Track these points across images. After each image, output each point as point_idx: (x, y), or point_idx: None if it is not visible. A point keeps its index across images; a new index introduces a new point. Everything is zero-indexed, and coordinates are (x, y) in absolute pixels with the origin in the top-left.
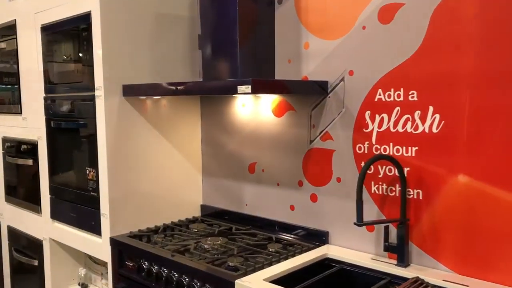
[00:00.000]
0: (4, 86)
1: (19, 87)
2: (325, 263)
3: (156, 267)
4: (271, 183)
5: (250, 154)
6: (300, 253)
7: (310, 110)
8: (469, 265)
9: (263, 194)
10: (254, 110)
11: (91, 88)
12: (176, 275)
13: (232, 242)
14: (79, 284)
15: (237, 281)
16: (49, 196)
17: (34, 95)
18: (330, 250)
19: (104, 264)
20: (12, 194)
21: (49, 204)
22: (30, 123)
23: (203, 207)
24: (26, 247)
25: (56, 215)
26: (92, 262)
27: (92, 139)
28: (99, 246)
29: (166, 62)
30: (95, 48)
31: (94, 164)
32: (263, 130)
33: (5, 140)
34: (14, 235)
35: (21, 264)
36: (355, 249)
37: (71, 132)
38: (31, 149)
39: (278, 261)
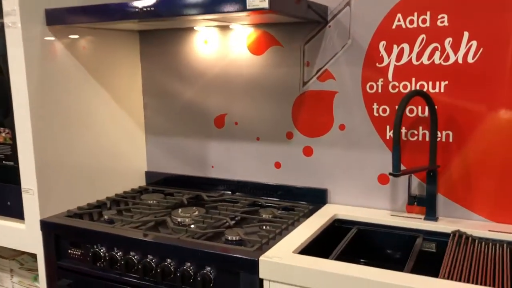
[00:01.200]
0: None
1: None
2: (336, 225)
3: (120, 253)
4: (248, 138)
5: (216, 105)
6: (304, 217)
7: (302, 44)
8: (508, 212)
9: (236, 152)
10: (221, 48)
11: None
12: (155, 260)
13: (214, 211)
14: None
15: (262, 258)
16: None
17: None
18: (338, 210)
19: (13, 256)
20: None
21: None
22: None
23: (149, 175)
24: None
25: None
26: None
27: (0, 85)
28: (20, 234)
29: None
30: None
31: (7, 121)
32: (236, 73)
33: None
34: None
35: None
36: (365, 207)
37: None
38: None
39: (287, 229)
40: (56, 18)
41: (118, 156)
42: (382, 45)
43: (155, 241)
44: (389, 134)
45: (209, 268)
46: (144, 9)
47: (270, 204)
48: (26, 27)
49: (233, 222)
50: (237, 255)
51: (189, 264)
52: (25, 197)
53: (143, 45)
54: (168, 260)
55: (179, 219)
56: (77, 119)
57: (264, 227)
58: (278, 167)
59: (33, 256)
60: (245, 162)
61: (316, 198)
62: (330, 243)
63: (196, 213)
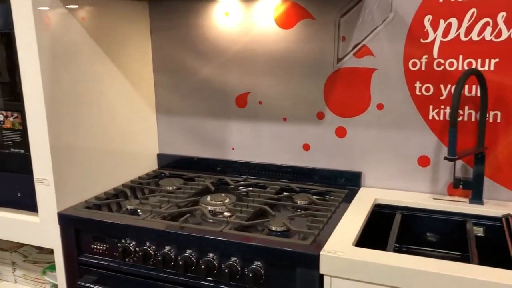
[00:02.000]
0: None
1: None
2: (376, 210)
3: (153, 247)
4: (274, 119)
5: (238, 83)
6: (344, 202)
7: (338, 17)
8: None
9: (259, 133)
10: (244, 21)
11: None
12: (195, 254)
13: (247, 199)
14: None
15: (323, 253)
16: None
17: None
18: (377, 194)
19: (13, 248)
20: None
21: None
22: None
23: (161, 158)
24: None
25: None
26: None
27: (4, 64)
28: (34, 228)
29: None
30: None
31: (14, 105)
32: (260, 48)
33: None
34: None
35: None
36: (403, 190)
37: None
38: None
39: (331, 218)
40: None
41: (128, 138)
42: (427, 19)
43: (195, 234)
44: (432, 114)
45: (258, 263)
46: None
47: (301, 188)
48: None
49: (273, 211)
50: (293, 249)
51: (235, 258)
52: (38, 187)
53: (154, 17)
54: (211, 255)
55: (210, 208)
56: (88, 98)
57: (307, 216)
58: (307, 149)
59: (38, 248)
60: (270, 143)
61: (349, 181)
62: (376, 230)
63: (227, 200)
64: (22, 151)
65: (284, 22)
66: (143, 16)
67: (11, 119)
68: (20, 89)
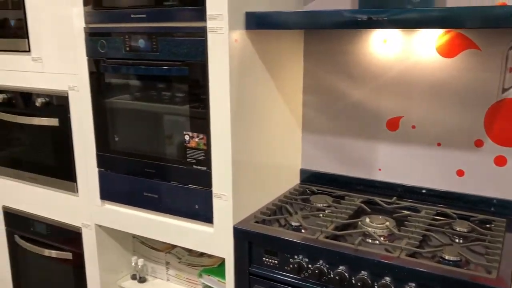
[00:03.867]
0: None
1: (23, 12)
2: None
3: (328, 266)
4: (427, 143)
5: (391, 107)
6: (508, 232)
7: (506, 49)
8: None
9: (410, 156)
10: (404, 49)
11: (198, 16)
12: (370, 277)
13: (407, 223)
14: (133, 278)
15: None
16: (97, 169)
17: (58, 25)
18: None
19: (167, 249)
20: (12, 165)
21: (95, 181)
22: (48, 67)
23: (303, 173)
24: (42, 235)
25: (110, 195)
26: (147, 248)
27: (195, 91)
28: (208, 237)
29: None
30: None
31: (202, 127)
32: (418, 75)
33: None
34: (16, 219)
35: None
36: None
37: (143, 80)
38: (51, 104)
39: (502, 249)
40: (264, 22)
41: (277, 152)
42: None
43: (369, 257)
44: None
45: None
46: (377, 18)
47: (457, 215)
48: (230, 31)
49: (438, 238)
50: (480, 283)
51: (413, 285)
52: (216, 201)
53: (308, 41)
54: (387, 279)
55: (371, 229)
56: (255, 116)
57: (474, 245)
58: (461, 175)
59: (188, 250)
60: (420, 167)
61: (506, 209)
62: None
63: (388, 223)
64: (204, 168)
65: (447, 51)
66: (298, 40)
67: (196, 139)
68: (207, 114)
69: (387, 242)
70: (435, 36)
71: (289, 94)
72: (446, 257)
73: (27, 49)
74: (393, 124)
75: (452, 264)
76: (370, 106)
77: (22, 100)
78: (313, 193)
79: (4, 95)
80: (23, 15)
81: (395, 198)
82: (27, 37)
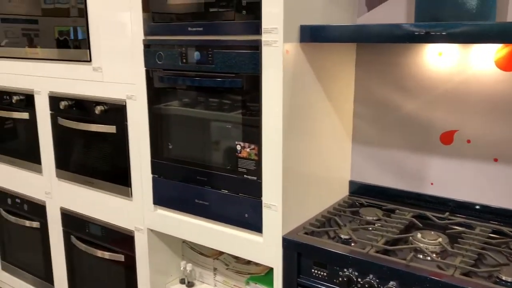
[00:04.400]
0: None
1: (86, 23)
2: None
3: (378, 281)
4: (483, 158)
5: (445, 120)
6: None
7: None
8: None
9: (464, 171)
10: (460, 62)
11: (253, 30)
12: None
13: (461, 241)
14: (182, 282)
15: None
16: (151, 175)
17: (117, 36)
18: None
19: (215, 255)
20: (71, 169)
21: (149, 186)
22: (108, 76)
23: (352, 185)
24: (96, 236)
25: (162, 200)
26: (196, 253)
27: (248, 102)
28: (257, 246)
29: None
30: None
31: (253, 138)
32: (475, 89)
33: (55, 97)
34: (73, 220)
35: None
36: None
37: (198, 91)
38: (110, 112)
39: None
40: (315, 36)
41: (326, 163)
42: None
43: (421, 274)
44: None
45: None
46: (434, 32)
47: None
48: (284, 44)
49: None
50: None
51: None
52: (265, 211)
53: (360, 53)
54: None
55: (422, 245)
56: (305, 125)
57: None
58: None
59: (235, 257)
60: (475, 182)
61: None
62: None
63: (440, 239)
64: (255, 178)
65: (506, 64)
66: (350, 51)
67: (248, 149)
68: (259, 124)
69: (439, 259)
70: (494, 49)
71: (340, 105)
72: (504, 278)
73: (89, 59)
74: (447, 137)
75: (510, 285)
76: (423, 119)
77: (82, 107)
78: (362, 205)
79: (66, 102)
80: (85, 29)
81: (447, 213)
82: (89, 48)
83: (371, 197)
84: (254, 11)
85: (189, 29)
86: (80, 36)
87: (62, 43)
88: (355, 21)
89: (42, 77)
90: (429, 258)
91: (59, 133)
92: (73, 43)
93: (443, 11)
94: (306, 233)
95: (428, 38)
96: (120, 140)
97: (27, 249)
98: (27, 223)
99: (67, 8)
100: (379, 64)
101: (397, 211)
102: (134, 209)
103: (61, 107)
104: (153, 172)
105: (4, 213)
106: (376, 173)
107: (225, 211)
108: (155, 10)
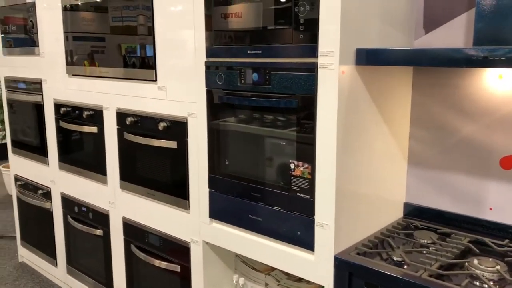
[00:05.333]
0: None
1: (153, 45)
2: None
3: None
4: None
5: (506, 144)
6: None
7: None
8: None
9: None
10: None
11: (310, 52)
12: None
13: None
14: None
15: None
16: (208, 190)
17: (180, 58)
18: None
19: (267, 270)
20: (134, 181)
21: (206, 200)
22: (172, 95)
23: (407, 207)
24: (155, 246)
25: (218, 214)
26: (248, 267)
27: (303, 122)
28: (308, 264)
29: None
30: None
31: (307, 157)
32: None
33: (122, 113)
34: (134, 229)
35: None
36: None
37: (255, 110)
38: (172, 128)
39: None
40: (371, 59)
41: (380, 184)
42: None
43: None
44: None
45: None
46: (493, 57)
47: None
48: (340, 66)
49: None
50: None
51: None
52: (318, 230)
53: (417, 74)
54: None
55: (479, 272)
56: (362, 149)
57: None
58: None
59: (286, 274)
60: None
61: None
62: None
63: (498, 267)
64: (308, 196)
65: None
66: (407, 73)
67: (301, 168)
68: (314, 144)
69: (497, 287)
70: None
71: (395, 126)
72: None
73: (154, 79)
74: (507, 162)
75: None
76: (482, 142)
77: (146, 123)
78: (416, 228)
79: (132, 118)
80: (152, 51)
81: (507, 240)
82: (155, 68)
83: (426, 220)
84: (311, 32)
85: (249, 51)
86: (147, 53)
87: (129, 61)
88: (412, 43)
89: (110, 94)
90: (486, 286)
91: (124, 146)
92: (140, 61)
93: (503, 34)
94: (358, 253)
95: (488, 62)
96: (180, 155)
97: (90, 255)
98: (91, 230)
99: (135, 26)
100: (437, 86)
101: (453, 235)
102: (191, 222)
103: (127, 122)
104: (210, 186)
105: (70, 220)
106: (432, 195)
107: (278, 228)
108: (217, 34)
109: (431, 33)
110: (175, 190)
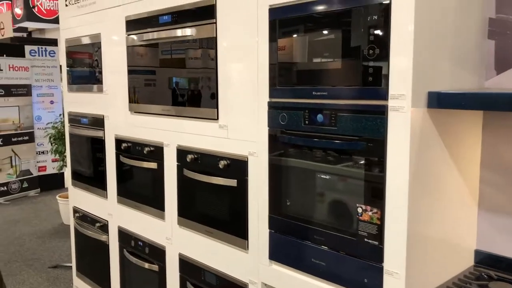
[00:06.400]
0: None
1: (216, 85)
2: None
3: None
4: None
5: None
6: None
7: None
8: None
9: None
10: None
11: (379, 95)
12: None
13: None
14: None
15: None
16: (268, 230)
17: (244, 98)
18: None
19: None
20: (192, 217)
21: (265, 241)
22: (233, 133)
23: (478, 254)
24: (211, 285)
25: (278, 256)
26: None
27: (371, 166)
28: None
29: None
30: (398, 31)
31: (376, 202)
32: None
33: (183, 150)
34: (190, 266)
35: None
36: None
37: (319, 151)
38: (232, 166)
39: None
40: (443, 102)
41: (450, 229)
42: None
43: None
44: None
45: None
46: None
47: None
48: (412, 110)
49: None
50: None
51: None
52: (386, 278)
53: (487, 116)
54: None
55: None
56: (432, 194)
57: None
58: None
59: None
60: None
61: None
62: None
63: None
64: (376, 243)
65: None
66: (477, 114)
67: (370, 213)
68: (383, 188)
69: None
70: None
71: (465, 169)
72: None
73: (216, 118)
74: None
75: None
76: None
77: (206, 161)
78: (491, 278)
79: (192, 156)
80: (215, 91)
81: None
82: (217, 108)
83: (500, 269)
84: (380, 75)
85: (314, 93)
86: (209, 92)
87: (191, 100)
88: (483, 84)
89: (171, 132)
90: None
91: (183, 183)
92: (202, 100)
93: None
94: None
95: None
96: (240, 194)
97: None
98: (147, 265)
99: (198, 68)
100: (509, 128)
101: None
102: (249, 262)
103: (187, 159)
104: (270, 227)
105: (126, 254)
106: (507, 243)
107: (343, 274)
108: (281, 74)
109: (502, 74)
110: (233, 229)
